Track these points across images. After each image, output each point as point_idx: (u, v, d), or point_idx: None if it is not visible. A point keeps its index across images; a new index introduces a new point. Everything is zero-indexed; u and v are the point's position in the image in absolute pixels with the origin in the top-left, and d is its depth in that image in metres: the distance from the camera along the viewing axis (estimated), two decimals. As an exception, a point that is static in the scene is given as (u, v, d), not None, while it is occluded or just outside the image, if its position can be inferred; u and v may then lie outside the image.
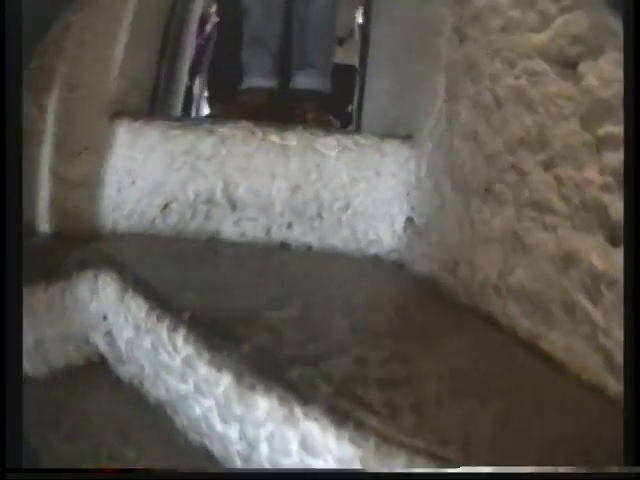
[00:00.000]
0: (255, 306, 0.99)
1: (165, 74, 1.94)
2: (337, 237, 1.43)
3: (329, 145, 1.38)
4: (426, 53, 1.41)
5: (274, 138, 1.37)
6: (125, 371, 1.11)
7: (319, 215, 1.42)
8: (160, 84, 1.87)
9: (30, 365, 1.10)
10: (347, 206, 1.42)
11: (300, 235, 1.42)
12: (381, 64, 1.86)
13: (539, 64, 0.96)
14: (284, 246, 1.42)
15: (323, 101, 2.07)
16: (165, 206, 1.41)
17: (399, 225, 1.44)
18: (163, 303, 0.98)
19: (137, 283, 1.07)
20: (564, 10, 0.90)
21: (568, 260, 0.85)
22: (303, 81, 2.05)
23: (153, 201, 1.42)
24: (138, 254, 1.26)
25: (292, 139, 1.38)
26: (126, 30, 1.53)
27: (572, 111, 0.87)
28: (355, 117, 1.97)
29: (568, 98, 0.88)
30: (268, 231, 1.42)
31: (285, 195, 1.40)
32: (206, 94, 2.94)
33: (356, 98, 2.00)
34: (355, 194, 1.42)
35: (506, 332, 0.97)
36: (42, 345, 1.14)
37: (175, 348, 0.94)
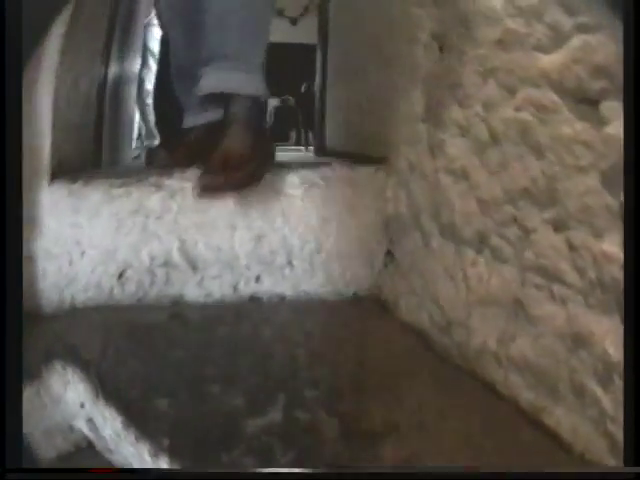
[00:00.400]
0: (235, 412, 0.87)
1: (109, 108, 1.79)
2: (311, 283, 1.31)
3: (293, 184, 1.25)
4: (398, 60, 1.28)
5: None
6: (115, 459, 0.99)
7: (289, 263, 1.30)
8: (103, 121, 1.71)
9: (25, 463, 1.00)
10: (319, 249, 1.30)
11: (271, 286, 1.30)
12: (344, 69, 1.73)
13: (548, 95, 0.80)
14: (254, 300, 1.30)
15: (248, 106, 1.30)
16: (121, 275, 1.28)
17: (378, 260, 1.34)
18: (137, 422, 0.86)
19: (104, 388, 0.96)
20: (581, 29, 0.73)
21: (579, 341, 0.73)
22: (211, 81, 1.24)
23: (107, 270, 1.27)
24: (100, 340, 1.12)
25: None
26: (52, 73, 1.35)
27: (591, 163, 0.71)
28: (317, 129, 1.84)
29: (586, 146, 0.72)
30: (235, 287, 1.29)
31: (249, 247, 1.27)
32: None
33: (317, 102, 1.86)
34: (327, 235, 1.30)
35: (507, 401, 0.87)
36: (32, 444, 1.02)
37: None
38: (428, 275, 1.13)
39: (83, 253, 1.28)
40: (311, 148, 8.59)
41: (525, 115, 0.86)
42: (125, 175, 1.28)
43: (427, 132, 1.14)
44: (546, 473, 0.62)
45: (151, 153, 1.69)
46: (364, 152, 1.47)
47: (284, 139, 12.37)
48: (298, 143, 11.49)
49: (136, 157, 3.45)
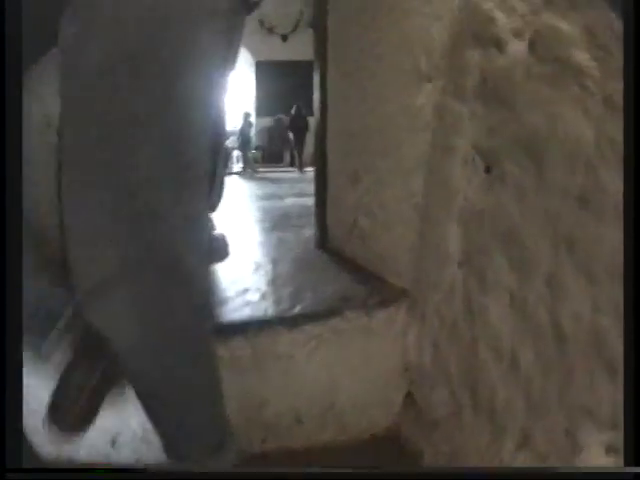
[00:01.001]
0: None
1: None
2: (324, 435, 1.06)
3: (297, 342, 0.98)
4: (423, 169, 1.01)
5: (219, 351, 0.93)
6: None
7: (298, 421, 1.04)
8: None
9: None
10: (331, 405, 1.05)
11: (278, 444, 1.04)
12: (345, 146, 1.45)
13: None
14: (262, 460, 1.04)
15: None
16: (114, 441, 1.01)
17: (397, 403, 1.09)
18: None
19: None
20: None
21: None
22: None
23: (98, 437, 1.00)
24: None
25: (243, 348, 0.95)
26: None
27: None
28: (317, 219, 1.58)
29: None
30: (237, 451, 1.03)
31: (251, 413, 1.01)
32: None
33: (316, 194, 1.59)
34: (340, 389, 1.04)
35: None
36: None
37: None
38: (459, 445, 0.90)
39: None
40: (306, 170, 8.28)
41: (608, 321, 0.61)
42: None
43: (464, 284, 0.88)
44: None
45: None
46: (376, 270, 1.21)
47: (278, 160, 12.00)
48: (292, 164, 11.14)
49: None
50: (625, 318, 0.57)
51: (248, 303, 1.04)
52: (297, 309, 1.00)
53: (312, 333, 0.98)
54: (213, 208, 1.82)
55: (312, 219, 1.59)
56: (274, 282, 1.17)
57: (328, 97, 1.54)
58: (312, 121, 1.66)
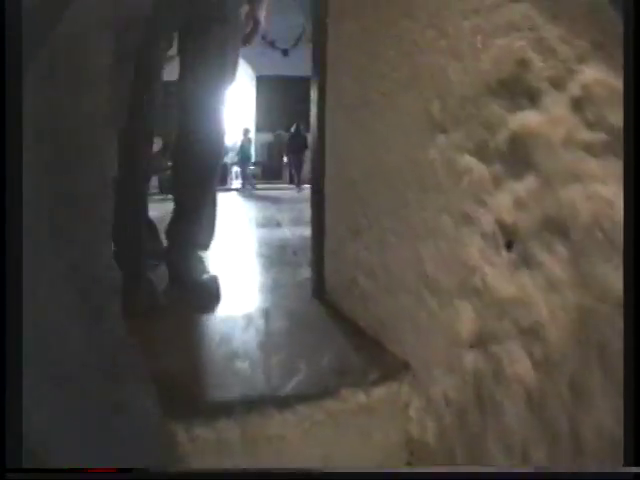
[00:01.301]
0: None
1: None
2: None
3: (289, 423, 0.88)
4: (436, 236, 0.90)
5: (205, 433, 0.84)
6: None
7: (290, 500, 0.95)
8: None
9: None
10: (326, 483, 0.95)
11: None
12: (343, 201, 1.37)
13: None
14: None
15: None
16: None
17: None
18: None
19: None
20: None
21: None
22: None
23: None
24: None
25: (231, 429, 0.84)
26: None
27: None
28: (313, 268, 1.49)
29: None
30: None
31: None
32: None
33: (313, 241, 1.51)
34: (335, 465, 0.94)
35: None
36: None
37: None
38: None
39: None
40: (304, 186, 8.23)
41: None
42: None
43: (475, 370, 0.79)
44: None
45: None
46: (376, 335, 1.12)
47: (277, 176, 11.91)
48: (291, 181, 11.03)
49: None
50: (625, 318, 0.51)
51: (236, 375, 0.95)
52: (289, 386, 0.91)
53: (305, 414, 0.87)
54: (206, 247, 1.73)
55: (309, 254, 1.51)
56: (265, 345, 1.08)
57: (326, 134, 1.44)
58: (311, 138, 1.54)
